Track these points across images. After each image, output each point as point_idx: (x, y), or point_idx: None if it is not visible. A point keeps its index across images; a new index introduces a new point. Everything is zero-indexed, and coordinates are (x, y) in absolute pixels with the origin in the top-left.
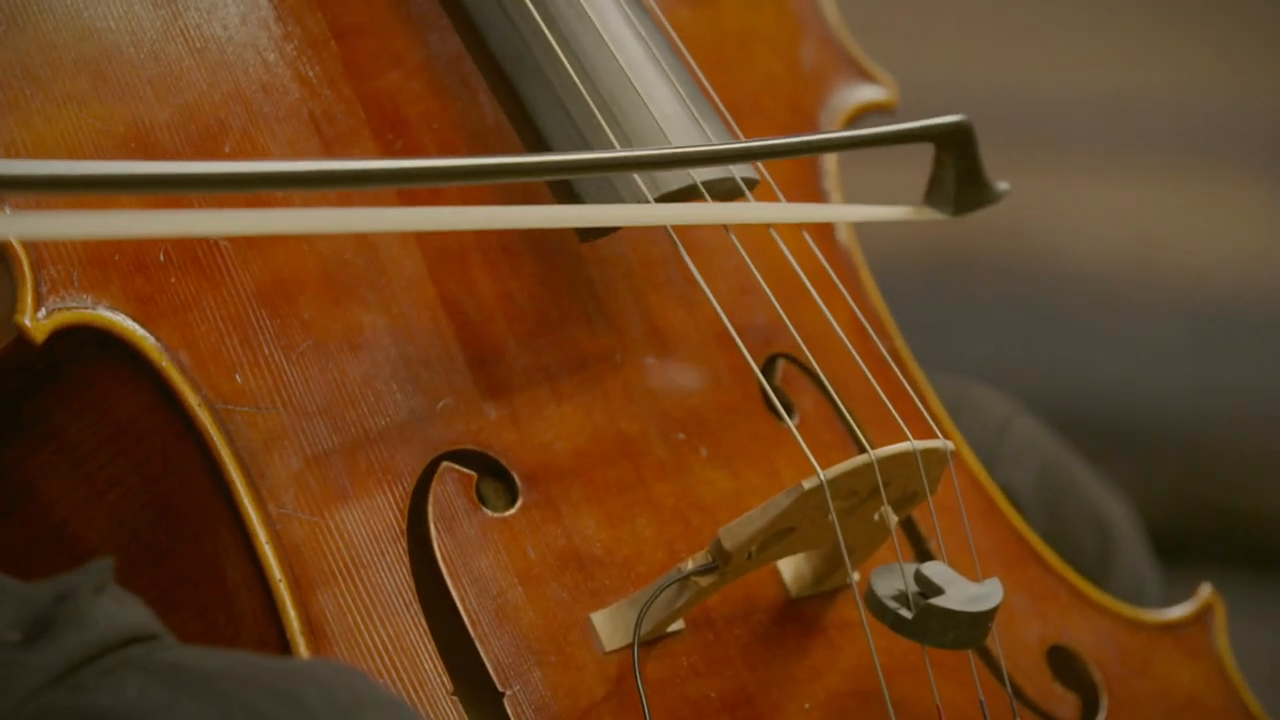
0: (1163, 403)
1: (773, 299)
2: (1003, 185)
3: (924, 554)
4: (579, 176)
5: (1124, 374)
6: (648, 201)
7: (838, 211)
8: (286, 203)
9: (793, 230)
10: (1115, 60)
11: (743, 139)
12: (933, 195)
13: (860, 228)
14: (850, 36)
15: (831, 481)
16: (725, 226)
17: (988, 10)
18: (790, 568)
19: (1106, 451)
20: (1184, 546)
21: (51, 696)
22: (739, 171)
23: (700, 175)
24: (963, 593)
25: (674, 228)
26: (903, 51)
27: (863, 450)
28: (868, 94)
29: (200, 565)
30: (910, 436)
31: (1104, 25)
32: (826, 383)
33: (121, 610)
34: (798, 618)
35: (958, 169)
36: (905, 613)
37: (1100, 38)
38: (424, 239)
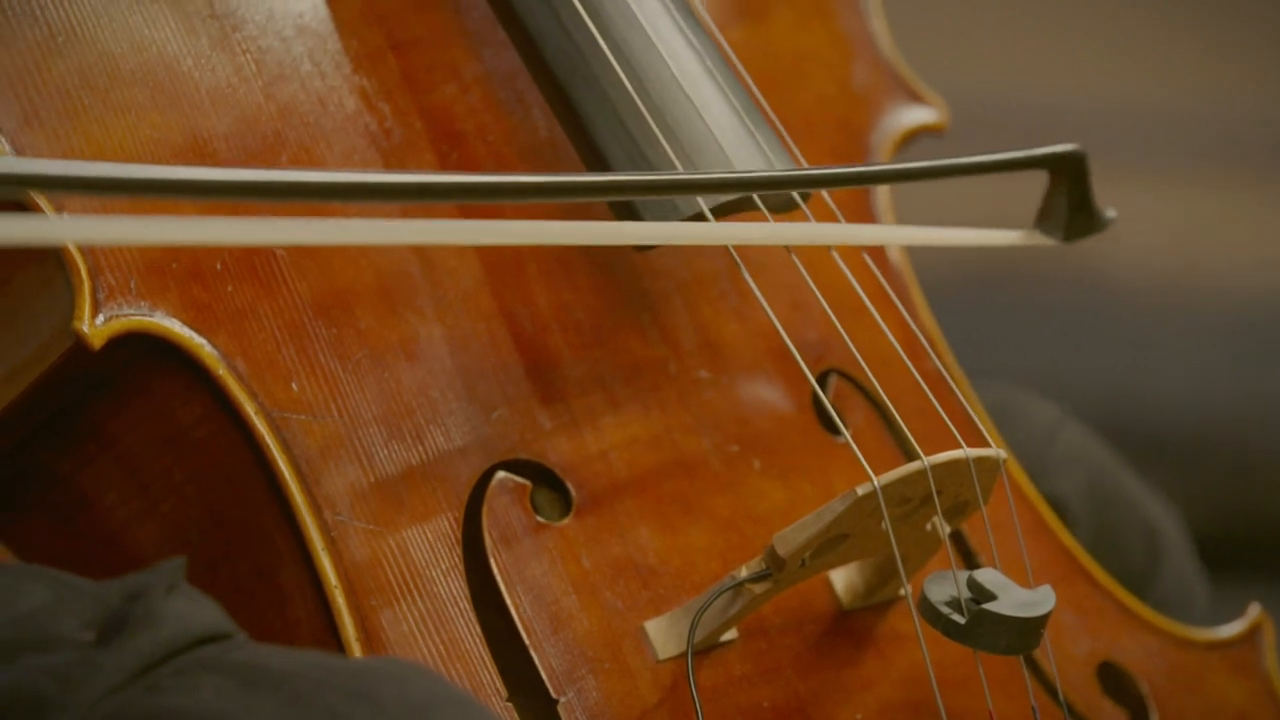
0: (1209, 411)
1: (831, 316)
2: (1110, 213)
3: (974, 567)
4: (643, 198)
5: (1170, 382)
6: (704, 214)
7: (944, 235)
8: (344, 214)
9: (848, 247)
10: (1159, 70)
11: (835, 166)
12: (1044, 221)
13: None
14: (900, 57)
15: (885, 487)
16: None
17: (1031, 22)
18: (842, 579)
19: (1153, 460)
20: (1231, 554)
21: (127, 696)
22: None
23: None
24: (1015, 598)
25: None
26: (944, 63)
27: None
28: (919, 116)
29: (255, 573)
30: (964, 445)
31: (1148, 36)
32: (882, 395)
33: (194, 609)
34: (849, 629)
35: (1070, 197)
36: (958, 618)
37: (1145, 48)
38: (481, 250)
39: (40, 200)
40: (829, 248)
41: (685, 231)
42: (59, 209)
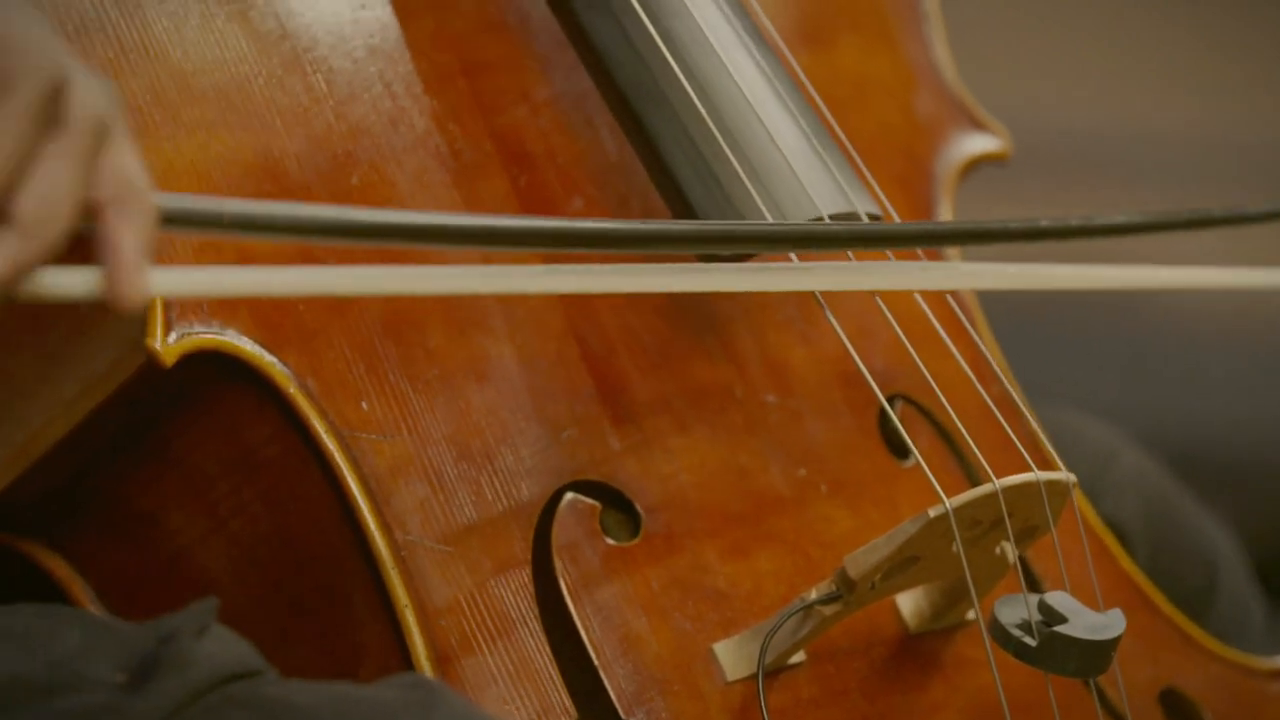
0: (1266, 436)
1: (905, 341)
2: None
3: (1038, 591)
4: (731, 249)
5: (1227, 407)
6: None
7: (1184, 276)
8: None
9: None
10: (1216, 99)
11: (936, 222)
12: None
13: (969, 254)
14: (963, 86)
15: (956, 510)
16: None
17: (1093, 51)
18: (909, 603)
19: (1210, 485)
20: None
21: None
22: (864, 207)
23: (824, 209)
24: (1086, 622)
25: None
26: (1006, 92)
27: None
28: (982, 144)
29: (323, 594)
30: (1034, 468)
31: (1206, 65)
32: (953, 418)
33: (223, 649)
34: (916, 653)
35: None
36: (1029, 641)
37: (1202, 77)
38: None
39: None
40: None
41: (777, 280)
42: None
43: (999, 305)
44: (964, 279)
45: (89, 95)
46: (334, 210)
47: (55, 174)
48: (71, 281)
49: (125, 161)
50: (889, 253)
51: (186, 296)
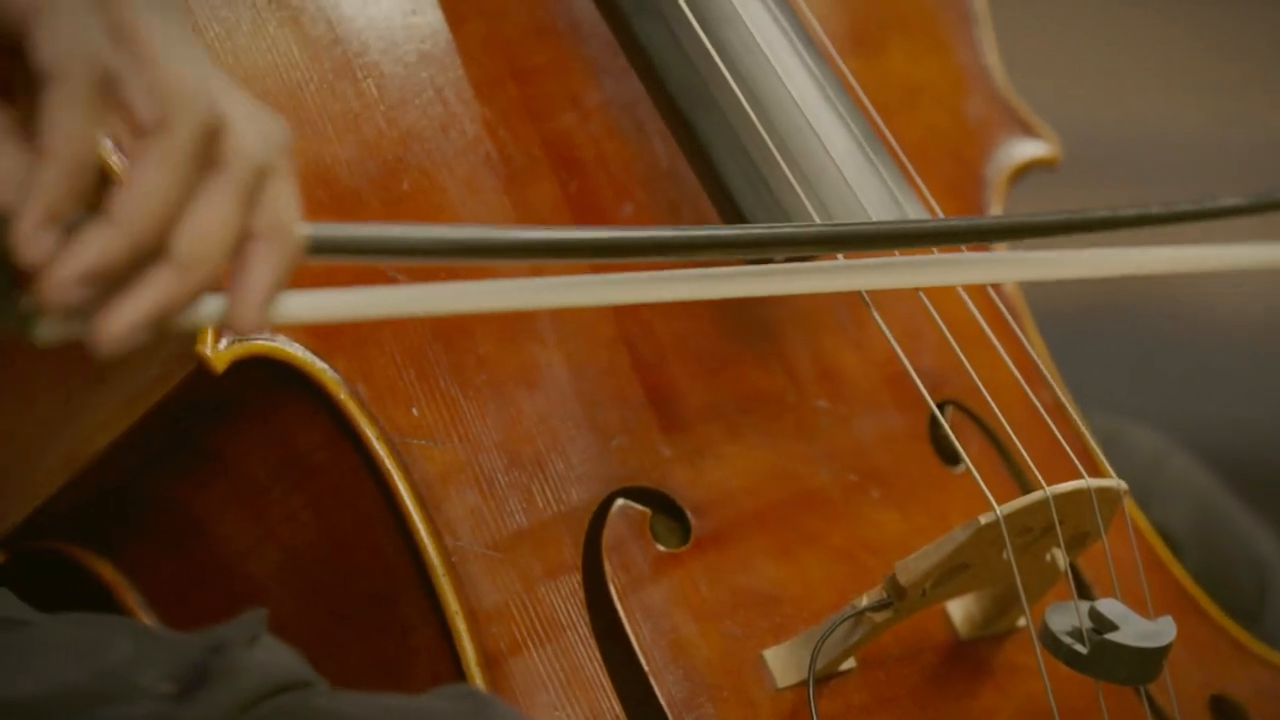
0: None
1: (954, 346)
2: None
3: (1088, 598)
4: (786, 251)
5: (1276, 412)
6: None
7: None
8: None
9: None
10: (1267, 105)
11: (993, 217)
12: None
13: None
14: (1013, 91)
15: (1007, 517)
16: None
17: (1142, 58)
18: (960, 610)
19: (1258, 490)
20: None
21: None
22: (915, 212)
23: (878, 215)
24: (1137, 629)
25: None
26: (1055, 98)
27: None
28: (1032, 150)
29: (373, 600)
30: (1085, 476)
31: (1257, 71)
32: (1004, 424)
33: (274, 660)
34: (966, 659)
35: None
36: (1080, 648)
37: (1253, 84)
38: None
39: None
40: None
41: (824, 281)
42: None
43: (1044, 310)
44: (1012, 269)
45: (247, 137)
46: (464, 230)
47: (211, 213)
48: (204, 311)
49: (281, 199)
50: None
51: (299, 323)
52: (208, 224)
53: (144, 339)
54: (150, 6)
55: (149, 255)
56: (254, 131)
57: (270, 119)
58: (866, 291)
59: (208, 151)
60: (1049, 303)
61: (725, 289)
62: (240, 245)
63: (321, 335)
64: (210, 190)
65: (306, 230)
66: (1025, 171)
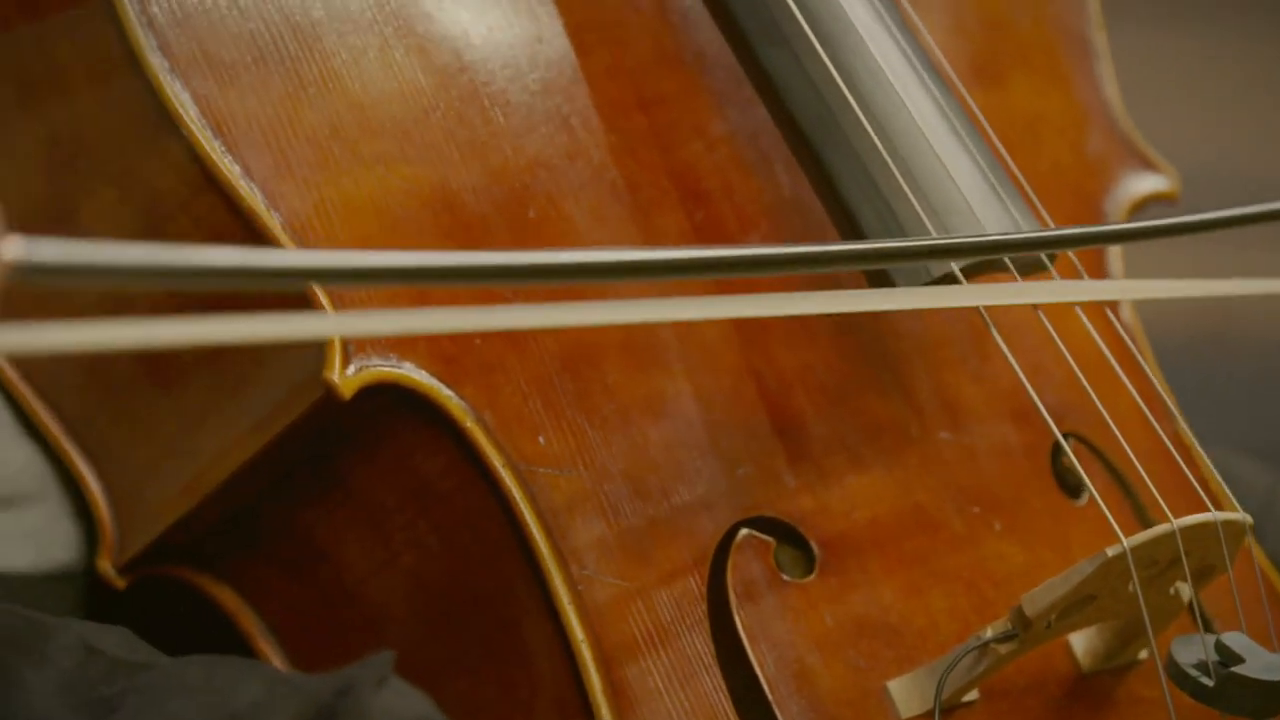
0: None
1: (1081, 378)
2: None
3: (1210, 631)
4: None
5: None
6: (955, 276)
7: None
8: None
9: (1090, 310)
10: None
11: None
12: None
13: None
14: (1132, 125)
15: (1134, 549)
16: (1035, 305)
17: (1254, 89)
18: (1082, 642)
19: None
20: None
21: None
22: None
23: None
24: (1263, 662)
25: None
26: (1173, 132)
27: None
28: (1151, 184)
29: (498, 627)
30: (1211, 509)
31: None
32: (1130, 456)
33: (402, 703)
34: (1090, 692)
35: None
36: (1206, 681)
37: None
38: None
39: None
40: (1075, 306)
41: (951, 297)
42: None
43: (1153, 342)
44: (1127, 290)
45: None
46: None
47: None
48: None
49: None
50: (1055, 274)
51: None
52: None
53: None
54: None
55: None
56: None
57: None
58: (993, 324)
59: None
60: (1158, 334)
61: (845, 305)
62: None
63: (449, 362)
64: None
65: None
66: (1144, 205)
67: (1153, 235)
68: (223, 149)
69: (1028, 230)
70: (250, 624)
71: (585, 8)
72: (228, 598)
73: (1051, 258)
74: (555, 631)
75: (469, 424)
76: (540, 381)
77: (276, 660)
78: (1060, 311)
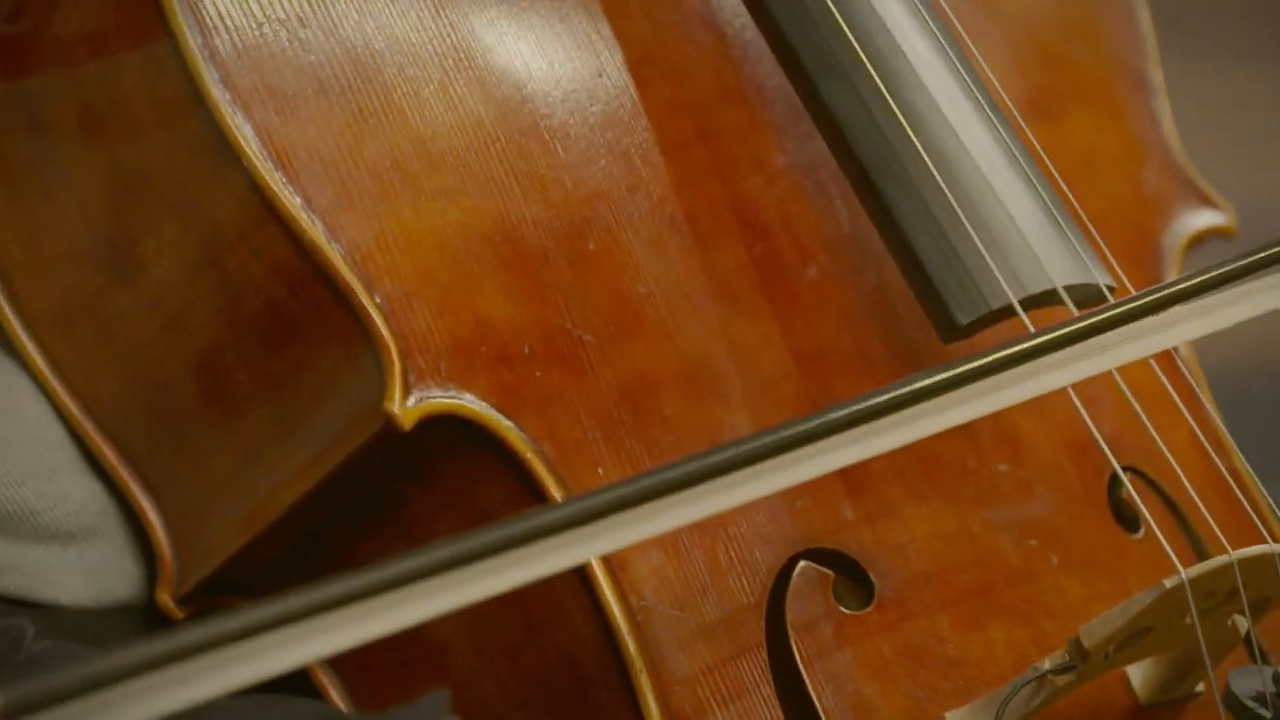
0: None
1: (1139, 412)
2: None
3: (1267, 664)
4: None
5: None
6: (1012, 307)
7: None
8: None
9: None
10: None
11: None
12: None
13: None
14: (1189, 161)
15: (1192, 581)
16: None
17: None
18: (1139, 673)
19: None
20: None
21: None
22: (1102, 279)
23: (1061, 280)
24: None
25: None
26: (1229, 168)
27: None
28: (1208, 219)
29: (557, 658)
30: (1270, 541)
31: None
32: (1188, 489)
33: None
34: None
35: None
36: (1265, 713)
37: None
38: (788, 339)
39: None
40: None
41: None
42: None
43: (1218, 377)
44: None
45: None
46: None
47: None
48: None
49: None
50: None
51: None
52: None
53: None
54: None
55: None
56: None
57: None
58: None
59: None
60: (1213, 366)
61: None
62: None
63: (509, 393)
64: None
65: None
66: (1201, 240)
67: (1210, 287)
68: (284, 180)
69: (1115, 306)
70: None
71: (646, 42)
72: None
73: (1111, 290)
74: (614, 661)
75: (529, 455)
76: (599, 413)
77: (335, 693)
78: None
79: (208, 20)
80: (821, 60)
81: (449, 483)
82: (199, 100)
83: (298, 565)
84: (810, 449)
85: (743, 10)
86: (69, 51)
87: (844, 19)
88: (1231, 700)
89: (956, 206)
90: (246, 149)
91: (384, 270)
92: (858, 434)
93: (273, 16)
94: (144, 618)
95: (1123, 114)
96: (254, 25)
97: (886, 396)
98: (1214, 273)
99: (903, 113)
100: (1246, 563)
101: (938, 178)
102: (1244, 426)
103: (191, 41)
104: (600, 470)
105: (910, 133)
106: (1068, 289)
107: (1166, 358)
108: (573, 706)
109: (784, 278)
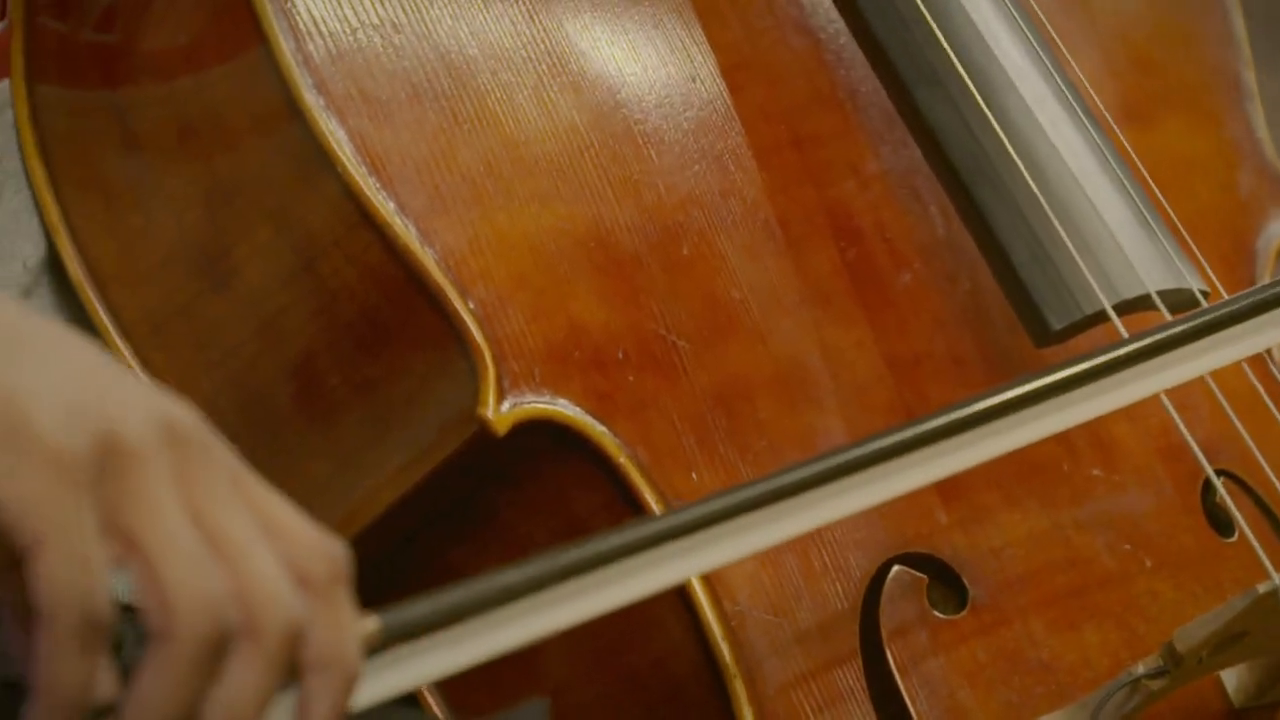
0: None
1: (1233, 416)
2: None
3: None
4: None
5: None
6: (1104, 307)
7: None
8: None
9: None
10: None
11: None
12: None
13: None
14: None
15: None
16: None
17: None
18: (1233, 678)
19: None
20: None
21: None
22: (1195, 284)
23: (1154, 285)
24: None
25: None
26: None
27: None
28: None
29: (650, 663)
30: None
31: None
32: None
33: None
34: None
35: None
36: None
37: None
38: (881, 344)
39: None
40: None
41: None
42: None
43: None
44: None
45: (271, 608)
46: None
47: (238, 691)
48: None
49: (339, 630)
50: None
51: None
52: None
53: None
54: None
55: None
56: (280, 599)
57: (315, 550)
58: None
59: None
60: None
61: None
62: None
63: (603, 398)
64: (238, 665)
65: (373, 625)
66: None
67: None
68: (377, 185)
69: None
70: None
71: (740, 47)
72: None
73: (1205, 295)
74: (708, 666)
75: (623, 460)
76: (693, 417)
77: (433, 700)
78: None
79: (301, 26)
80: (915, 65)
81: (542, 488)
82: (293, 106)
83: (389, 571)
84: (918, 454)
85: (836, 15)
86: (162, 62)
87: (938, 24)
88: None
89: (1050, 211)
90: (340, 154)
91: (478, 275)
92: (965, 439)
93: (366, 22)
94: None
95: (1216, 117)
96: (348, 31)
97: (992, 402)
98: None
99: (996, 118)
100: None
101: (1031, 183)
102: None
103: (285, 47)
104: (694, 475)
105: (1004, 138)
106: (1161, 294)
107: (1259, 361)
108: (665, 713)
109: (877, 282)
